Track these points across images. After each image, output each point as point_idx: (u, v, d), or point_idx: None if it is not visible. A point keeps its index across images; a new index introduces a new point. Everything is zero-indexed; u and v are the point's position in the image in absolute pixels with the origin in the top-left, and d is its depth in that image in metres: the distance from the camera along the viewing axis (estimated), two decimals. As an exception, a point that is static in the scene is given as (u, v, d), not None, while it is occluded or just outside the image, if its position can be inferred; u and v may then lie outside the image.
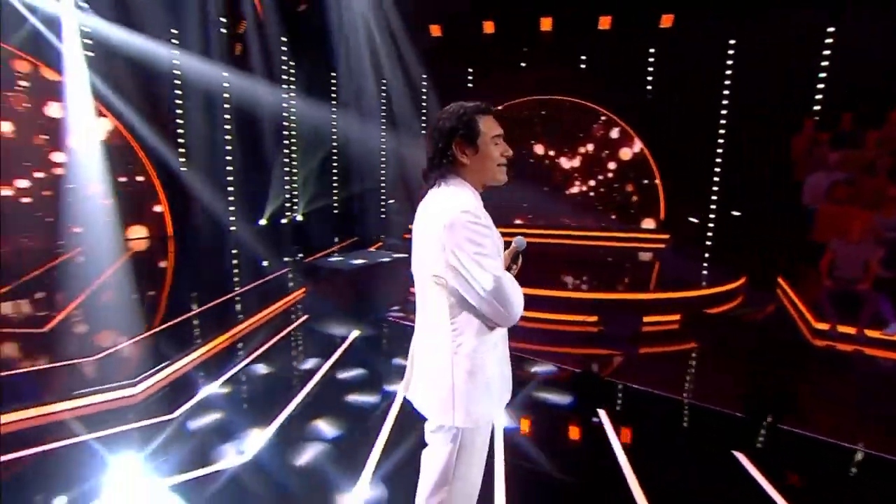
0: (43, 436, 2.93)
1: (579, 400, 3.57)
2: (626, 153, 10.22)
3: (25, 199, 7.95)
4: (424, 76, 11.39)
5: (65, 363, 3.85)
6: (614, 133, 10.26)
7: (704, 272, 6.80)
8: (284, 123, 10.23)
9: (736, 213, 8.34)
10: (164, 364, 3.80)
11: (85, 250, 7.66)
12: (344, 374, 3.92)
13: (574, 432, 3.19)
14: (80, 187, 7.97)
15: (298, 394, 3.54)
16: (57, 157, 8.10)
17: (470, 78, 11.05)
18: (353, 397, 3.53)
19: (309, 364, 4.12)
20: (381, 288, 6.62)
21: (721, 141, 8.92)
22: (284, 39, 9.54)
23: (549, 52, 9.92)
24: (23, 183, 7.90)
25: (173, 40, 8.28)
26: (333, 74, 10.93)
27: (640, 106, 9.74)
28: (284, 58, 9.80)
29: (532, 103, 10.71)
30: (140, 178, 8.95)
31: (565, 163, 10.70)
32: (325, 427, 3.09)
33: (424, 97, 11.54)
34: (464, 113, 1.53)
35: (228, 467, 2.63)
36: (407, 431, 2.90)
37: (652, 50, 9.56)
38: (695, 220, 8.55)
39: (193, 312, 5.32)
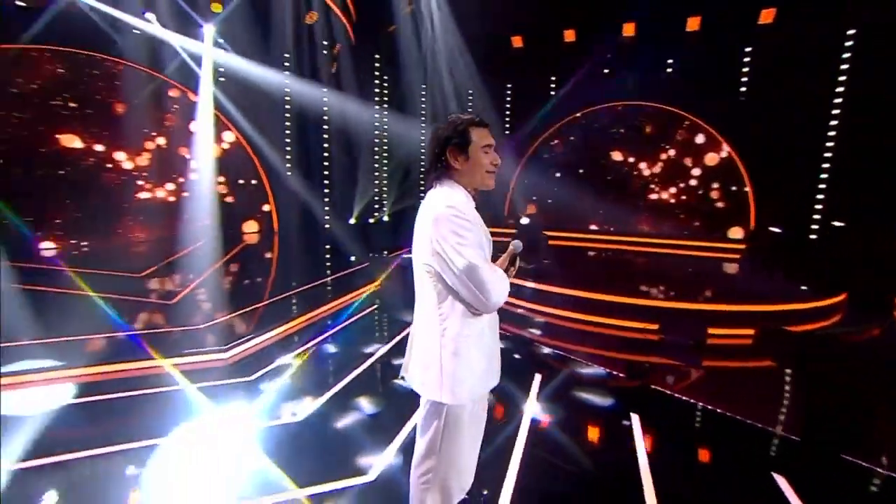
0: (158, 382, 3.75)
1: (614, 402, 3.56)
2: (711, 158, 9.51)
3: (171, 199, 9.73)
4: (509, 86, 11.68)
5: (180, 329, 4.79)
6: (699, 138, 9.60)
7: (803, 287, 6.07)
8: (375, 132, 11.16)
9: (839, 224, 7.31)
10: (250, 335, 4.55)
11: (209, 240, 9.18)
12: (397, 360, 4.32)
13: (600, 432, 3.19)
14: (209, 188, 9.58)
15: (353, 371, 4.01)
16: (194, 164, 9.80)
17: (553, 86, 11.05)
18: (400, 381, 3.90)
19: (369, 347, 4.60)
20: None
21: (830, 144, 7.89)
22: (377, 56, 10.43)
23: (631, 58, 9.60)
24: (170, 185, 9.69)
25: (286, 63, 9.56)
26: (424, 87, 11.63)
27: (731, 109, 9.00)
28: (377, 73, 10.71)
29: (613, 109, 10.42)
30: (254, 182, 10.45)
31: (646, 169, 10.24)
32: (367, 403, 3.48)
33: (508, 107, 11.80)
34: (459, 124, 1.71)
35: (282, 424, 3.16)
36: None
37: (748, 49, 8.80)
38: (777, 231, 7.66)
39: (284, 295, 6.16)
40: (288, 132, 10.12)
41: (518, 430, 3.09)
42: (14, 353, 3.89)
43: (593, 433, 3.17)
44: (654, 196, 10.18)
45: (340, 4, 9.07)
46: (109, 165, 8.91)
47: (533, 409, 3.38)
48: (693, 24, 8.93)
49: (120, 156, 8.99)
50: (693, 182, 9.75)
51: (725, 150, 9.35)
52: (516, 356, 4.55)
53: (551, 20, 9.57)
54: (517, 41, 10.29)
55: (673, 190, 9.93)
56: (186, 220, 9.37)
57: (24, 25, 7.21)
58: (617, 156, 10.44)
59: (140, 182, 9.32)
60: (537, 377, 3.87)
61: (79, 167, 8.52)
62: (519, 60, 10.64)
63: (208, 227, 9.48)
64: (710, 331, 4.90)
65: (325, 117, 10.13)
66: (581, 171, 10.75)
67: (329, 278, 7.17)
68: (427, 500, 1.83)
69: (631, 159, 10.34)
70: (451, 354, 1.66)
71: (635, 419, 3.21)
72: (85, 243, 8.46)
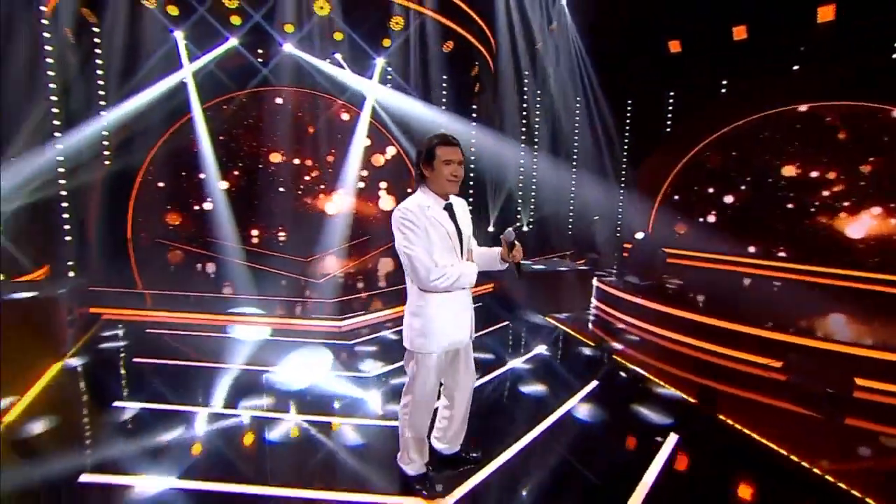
0: (291, 335, 4.99)
1: (663, 421, 3.24)
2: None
3: (340, 201, 11.79)
4: (671, 93, 10.82)
5: (318, 300, 6.12)
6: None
7: None
8: (521, 157, 11.50)
9: None
10: (362, 312, 5.49)
11: (372, 237, 10.90)
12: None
13: (624, 441, 3.03)
14: (374, 193, 11.42)
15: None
16: (358, 174, 11.70)
17: (724, 91, 9.80)
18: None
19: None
20: (554, 292, 6.77)
21: None
22: (526, 73, 10.82)
23: (832, 48, 7.83)
24: (340, 190, 11.77)
25: (443, 86, 10.73)
26: (577, 100, 11.52)
27: None
28: (525, 89, 11.09)
29: (794, 112, 8.70)
30: (409, 190, 11.90)
31: (839, 185, 8.13)
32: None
33: (670, 113, 10.94)
34: (430, 140, 2.19)
35: (353, 375, 3.95)
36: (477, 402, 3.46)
37: None
38: None
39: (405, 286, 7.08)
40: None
41: (544, 418, 3.16)
42: (239, 302, 5.81)
43: (617, 440, 3.04)
44: (847, 216, 8.03)
45: (477, 34, 9.80)
46: (299, 174, 11.36)
47: (572, 405, 3.39)
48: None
49: (307, 164, 11.39)
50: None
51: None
52: (584, 361, 4.52)
53: (715, 19, 8.54)
54: (674, 45, 9.44)
55: (877, 210, 7.70)
56: (351, 218, 11.29)
57: (252, 74, 9.97)
58: (798, 168, 8.58)
59: (321, 186, 11.60)
60: (594, 383, 3.78)
61: (303, 176, 11.13)
62: (679, 66, 9.75)
63: (366, 225, 11.31)
64: (861, 382, 3.92)
65: (473, 131, 10.98)
66: (750, 185, 9.22)
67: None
68: (403, 429, 2.38)
69: (814, 173, 8.40)
70: (412, 314, 2.23)
71: (672, 438, 2.92)
72: (282, 234, 11.00)
